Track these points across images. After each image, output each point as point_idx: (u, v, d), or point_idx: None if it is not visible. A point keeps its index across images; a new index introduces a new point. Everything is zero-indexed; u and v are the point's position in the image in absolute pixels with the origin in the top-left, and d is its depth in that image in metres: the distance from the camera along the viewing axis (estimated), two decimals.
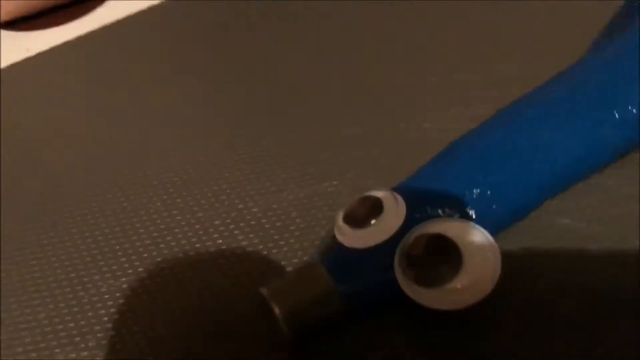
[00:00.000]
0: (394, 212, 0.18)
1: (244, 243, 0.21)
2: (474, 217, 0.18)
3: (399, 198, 0.19)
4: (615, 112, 0.19)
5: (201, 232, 0.22)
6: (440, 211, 0.18)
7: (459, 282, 0.17)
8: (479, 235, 0.17)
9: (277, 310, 0.17)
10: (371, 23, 0.31)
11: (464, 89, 0.25)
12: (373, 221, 0.18)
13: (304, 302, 0.17)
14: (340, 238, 0.19)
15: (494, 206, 0.19)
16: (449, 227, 0.17)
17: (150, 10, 0.36)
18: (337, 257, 0.18)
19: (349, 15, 0.32)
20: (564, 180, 0.20)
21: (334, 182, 0.23)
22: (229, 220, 0.22)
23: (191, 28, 0.34)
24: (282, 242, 0.21)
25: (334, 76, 0.28)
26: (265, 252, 0.21)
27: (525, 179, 0.19)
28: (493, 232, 0.18)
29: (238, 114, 0.27)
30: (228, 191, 0.23)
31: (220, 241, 0.22)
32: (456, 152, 0.20)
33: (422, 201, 0.19)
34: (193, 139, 0.26)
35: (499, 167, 0.19)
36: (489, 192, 0.19)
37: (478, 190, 0.19)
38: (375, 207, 0.19)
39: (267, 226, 0.22)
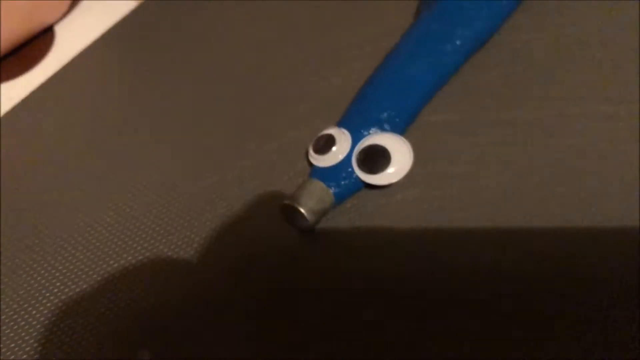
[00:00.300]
0: (344, 140, 0.31)
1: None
2: (388, 129, 0.31)
3: (344, 130, 0.31)
4: (448, 45, 0.33)
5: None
6: (369, 130, 0.31)
7: (391, 168, 0.30)
8: (397, 140, 0.31)
9: (301, 209, 0.29)
10: None
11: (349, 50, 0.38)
12: (334, 148, 0.31)
13: (315, 199, 0.29)
14: (315, 163, 0.31)
15: (397, 120, 0.32)
16: (378, 138, 0.30)
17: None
18: (319, 173, 0.31)
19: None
20: (428, 94, 0.33)
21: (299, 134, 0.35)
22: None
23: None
24: (282, 181, 0.33)
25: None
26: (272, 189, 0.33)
27: (407, 98, 0.32)
28: (401, 134, 0.31)
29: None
30: None
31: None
32: (365, 91, 0.33)
33: (357, 127, 0.31)
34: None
35: (392, 96, 0.32)
36: (392, 112, 0.32)
37: (385, 113, 0.32)
38: (330, 139, 0.31)
39: (261, 172, 0.34)
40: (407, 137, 0.32)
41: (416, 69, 0.33)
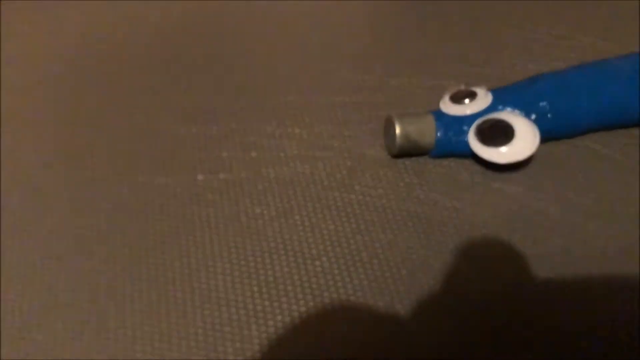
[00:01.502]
0: (482, 102, 0.28)
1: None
2: (532, 118, 0.28)
3: (489, 94, 0.29)
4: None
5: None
6: (510, 108, 0.28)
7: (504, 148, 0.27)
8: (528, 127, 0.27)
9: (397, 126, 0.27)
10: None
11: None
12: (466, 101, 0.28)
13: (415, 126, 0.28)
14: (442, 107, 0.29)
15: (549, 115, 0.28)
16: (511, 117, 0.27)
17: None
18: (438, 114, 0.28)
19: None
20: (604, 121, 0.29)
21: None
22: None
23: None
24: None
25: None
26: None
27: (575, 106, 0.28)
28: (542, 131, 0.28)
29: None
30: None
31: None
32: (543, 75, 0.29)
33: (504, 98, 0.28)
34: None
35: (563, 91, 0.28)
36: (550, 107, 0.28)
37: (544, 103, 0.28)
38: (470, 94, 0.29)
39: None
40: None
41: (604, 84, 0.28)
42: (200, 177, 0.29)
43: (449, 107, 0.29)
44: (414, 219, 0.26)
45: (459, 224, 0.26)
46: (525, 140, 0.27)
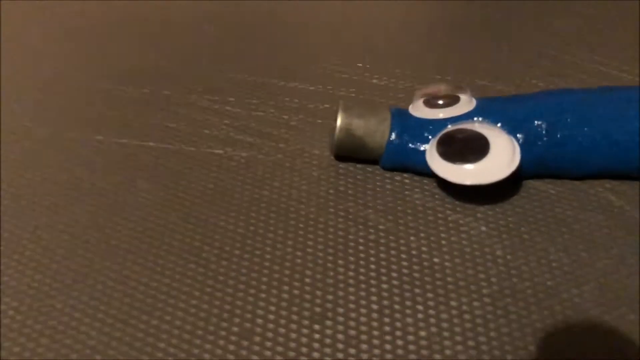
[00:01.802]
0: (463, 107, 0.22)
1: None
2: (520, 140, 0.21)
3: (473, 101, 0.22)
4: None
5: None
6: (493, 121, 0.21)
7: (470, 165, 0.20)
8: (508, 143, 0.20)
9: (339, 118, 0.21)
10: None
11: None
12: (440, 102, 0.22)
13: (364, 121, 0.21)
14: (411, 108, 0.22)
15: (545, 139, 0.21)
16: (486, 128, 0.20)
17: None
18: (400, 113, 0.22)
19: None
20: (623, 164, 0.21)
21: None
22: None
23: None
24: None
25: None
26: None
27: (586, 135, 0.21)
28: (526, 164, 0.20)
29: None
30: None
31: None
32: (548, 90, 0.22)
33: (486, 111, 0.21)
34: None
35: (568, 108, 0.21)
36: (547, 125, 0.21)
37: (541, 122, 0.21)
38: (451, 99, 0.22)
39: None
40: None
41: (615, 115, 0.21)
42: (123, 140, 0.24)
43: (418, 109, 0.22)
44: (334, 237, 0.20)
45: (394, 255, 0.19)
46: (499, 158, 0.20)
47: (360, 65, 0.28)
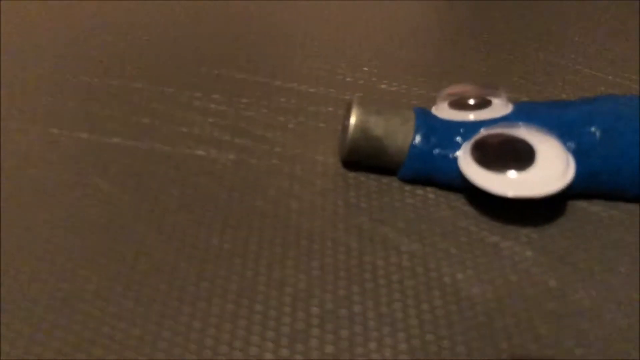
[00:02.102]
0: (497, 109, 0.18)
1: None
2: (572, 147, 0.17)
3: (509, 105, 0.18)
4: None
5: None
6: (544, 128, 0.17)
7: (514, 173, 0.16)
8: (559, 151, 0.16)
9: (353, 115, 0.17)
10: None
11: None
12: (471, 102, 0.18)
13: (384, 120, 0.17)
14: (435, 109, 0.19)
15: (592, 153, 0.17)
16: (531, 135, 0.17)
17: None
18: (426, 114, 0.18)
19: None
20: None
21: None
22: None
23: None
24: None
25: None
26: None
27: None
28: (576, 179, 0.17)
29: None
30: None
31: None
32: (594, 98, 0.19)
33: (528, 114, 0.18)
34: None
35: (627, 123, 0.18)
36: (600, 136, 0.17)
37: (594, 129, 0.17)
38: (483, 102, 0.19)
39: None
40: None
41: None
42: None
43: (443, 111, 0.19)
44: (346, 257, 0.16)
45: (423, 283, 0.15)
46: (549, 167, 0.16)
47: (367, 69, 0.24)
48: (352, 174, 0.19)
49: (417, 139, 0.17)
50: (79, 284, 0.15)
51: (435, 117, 0.18)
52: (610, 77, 0.24)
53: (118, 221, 0.17)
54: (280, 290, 0.15)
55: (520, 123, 0.18)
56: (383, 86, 0.23)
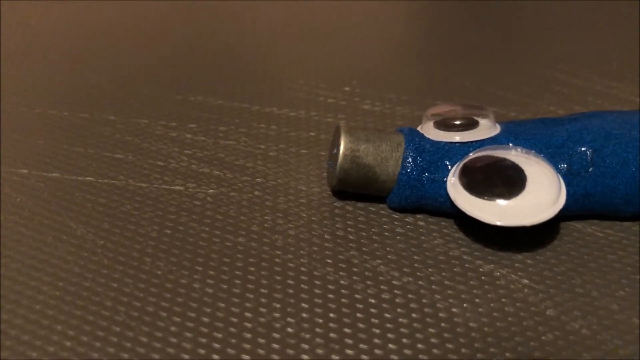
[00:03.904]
0: (485, 131, 0.18)
1: None
2: (563, 171, 0.17)
3: (497, 127, 0.18)
4: None
5: None
6: (533, 150, 0.17)
7: (503, 200, 0.16)
8: (552, 176, 0.16)
9: (342, 142, 0.17)
10: None
11: None
12: (457, 123, 0.17)
13: (373, 147, 0.17)
14: (421, 127, 0.18)
15: (584, 174, 0.17)
16: (521, 157, 0.16)
17: None
18: (413, 133, 0.18)
19: None
20: None
21: None
22: None
23: None
24: None
25: None
26: None
27: (635, 171, 0.17)
28: (569, 200, 0.16)
29: None
30: None
31: None
32: (581, 114, 0.19)
33: (516, 135, 0.17)
34: None
35: (618, 141, 0.17)
36: (591, 155, 0.17)
37: (585, 149, 0.17)
38: (470, 123, 0.18)
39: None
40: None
41: None
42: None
43: (428, 132, 0.18)
44: (336, 296, 0.15)
45: (418, 319, 0.15)
46: (540, 193, 0.16)
47: (348, 88, 0.23)
48: (338, 204, 0.18)
49: (407, 163, 0.17)
50: (54, 339, 0.14)
51: (423, 138, 0.17)
52: (597, 87, 0.24)
53: (93, 268, 0.16)
54: (268, 336, 0.14)
55: (510, 145, 0.17)
56: (366, 106, 0.22)
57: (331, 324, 0.14)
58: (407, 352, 0.14)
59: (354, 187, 0.17)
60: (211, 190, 0.18)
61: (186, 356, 0.14)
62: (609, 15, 0.30)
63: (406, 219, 0.17)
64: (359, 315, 0.15)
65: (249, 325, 0.14)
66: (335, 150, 0.17)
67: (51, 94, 0.23)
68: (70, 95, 0.23)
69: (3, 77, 0.23)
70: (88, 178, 0.19)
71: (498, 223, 0.16)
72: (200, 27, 0.28)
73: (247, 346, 0.14)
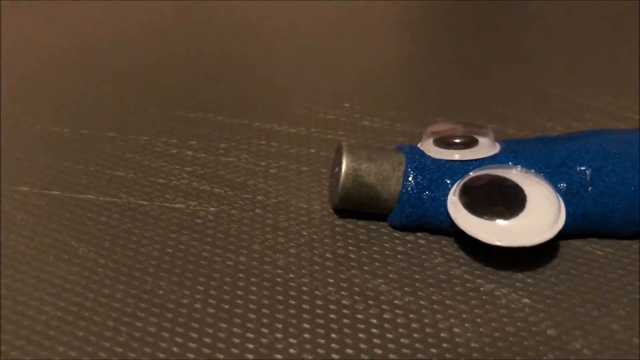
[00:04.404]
0: (484, 149, 0.18)
1: None
2: (562, 190, 0.17)
3: (497, 145, 0.18)
4: None
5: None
6: (532, 169, 0.17)
7: (503, 221, 0.16)
8: (549, 193, 0.16)
9: (344, 162, 0.17)
10: None
11: None
12: (457, 140, 0.17)
13: (375, 166, 0.17)
14: (422, 145, 0.18)
15: (584, 193, 0.17)
16: (520, 177, 0.16)
17: None
18: (413, 150, 0.18)
19: None
20: None
21: None
22: None
23: None
24: None
25: None
26: None
27: (634, 190, 0.17)
28: (569, 220, 0.16)
29: None
30: None
31: None
32: (579, 132, 0.19)
33: (515, 153, 0.18)
34: None
35: (617, 160, 0.17)
36: (590, 175, 0.17)
37: (584, 168, 0.17)
38: (470, 141, 0.18)
39: None
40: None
41: None
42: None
43: (428, 150, 0.18)
44: (337, 316, 0.15)
45: (419, 339, 0.15)
46: (539, 214, 0.16)
47: (348, 105, 0.24)
48: (339, 222, 0.18)
49: (407, 183, 0.17)
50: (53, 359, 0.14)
51: (424, 156, 0.17)
52: (595, 104, 0.24)
53: (95, 287, 0.16)
54: (270, 357, 0.14)
55: (510, 164, 0.17)
56: (366, 123, 0.23)
57: (333, 345, 0.15)
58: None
59: (356, 206, 0.17)
60: (212, 208, 0.18)
61: None
62: (608, 32, 0.30)
63: (407, 238, 0.18)
64: (360, 335, 0.15)
65: (250, 346, 0.14)
66: (337, 169, 0.17)
67: (52, 110, 0.23)
68: (70, 112, 0.23)
69: (3, 94, 0.24)
70: (89, 196, 0.19)
71: (498, 243, 0.16)
72: (201, 44, 0.28)
73: None
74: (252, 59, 0.27)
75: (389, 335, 0.15)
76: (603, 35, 0.30)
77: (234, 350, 0.14)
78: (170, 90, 0.24)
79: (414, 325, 0.15)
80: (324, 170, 0.20)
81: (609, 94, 0.25)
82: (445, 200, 0.17)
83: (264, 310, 0.15)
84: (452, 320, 0.15)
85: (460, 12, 0.32)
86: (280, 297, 0.16)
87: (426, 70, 0.27)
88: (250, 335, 0.15)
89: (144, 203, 0.18)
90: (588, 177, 0.17)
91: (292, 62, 0.27)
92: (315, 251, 0.17)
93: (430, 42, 0.30)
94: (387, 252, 0.17)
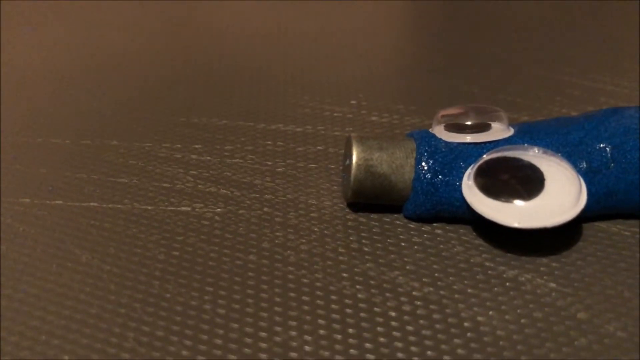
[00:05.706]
0: (498, 132, 0.17)
1: None
2: (582, 169, 0.16)
3: (510, 129, 0.17)
4: None
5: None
6: (543, 147, 0.16)
7: (521, 202, 0.15)
8: (570, 173, 0.15)
9: (354, 152, 0.16)
10: None
11: None
12: (468, 123, 0.17)
13: (386, 156, 0.16)
14: (434, 129, 0.17)
15: (605, 171, 0.16)
16: (538, 158, 0.16)
17: None
18: (424, 136, 0.17)
19: None
20: None
21: None
22: None
23: None
24: None
25: None
26: None
27: None
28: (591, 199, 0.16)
29: None
30: None
31: None
32: (597, 112, 0.18)
33: (531, 134, 0.17)
34: None
35: (637, 136, 0.16)
36: (610, 152, 0.16)
37: (604, 145, 0.16)
38: (481, 125, 0.17)
39: None
40: None
41: None
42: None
43: (440, 135, 0.17)
44: (354, 311, 0.14)
45: (441, 329, 0.14)
46: (559, 194, 0.15)
47: (354, 101, 0.23)
48: (351, 216, 0.17)
49: (419, 168, 0.16)
50: None
51: (436, 139, 0.17)
52: (609, 87, 0.23)
53: (100, 294, 0.15)
54: (284, 356, 0.13)
55: (525, 145, 0.16)
56: (374, 118, 0.22)
57: (350, 340, 0.14)
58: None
59: (370, 198, 0.17)
60: (219, 209, 0.18)
61: None
62: (617, 15, 0.30)
63: (423, 228, 0.17)
64: (379, 329, 0.14)
65: (264, 345, 0.14)
66: (347, 162, 0.17)
67: (52, 122, 0.22)
68: (71, 123, 0.22)
69: (3, 106, 0.23)
70: (92, 204, 0.18)
71: (516, 225, 0.15)
72: (201, 49, 0.28)
73: None
74: (255, 62, 0.26)
75: (409, 328, 0.14)
76: (614, 19, 0.29)
77: (247, 350, 0.14)
78: (172, 97, 0.24)
79: (435, 316, 0.14)
80: (333, 167, 0.19)
81: (623, 78, 0.24)
82: (460, 185, 0.16)
83: (276, 308, 0.15)
84: (475, 308, 0.14)
85: (467, 3, 0.32)
86: (292, 294, 0.15)
87: (433, 63, 0.26)
88: (263, 334, 0.14)
89: (149, 208, 0.18)
90: (609, 154, 0.16)
91: (296, 62, 0.26)
92: (327, 246, 0.16)
93: (436, 36, 0.29)
94: (402, 244, 0.16)
